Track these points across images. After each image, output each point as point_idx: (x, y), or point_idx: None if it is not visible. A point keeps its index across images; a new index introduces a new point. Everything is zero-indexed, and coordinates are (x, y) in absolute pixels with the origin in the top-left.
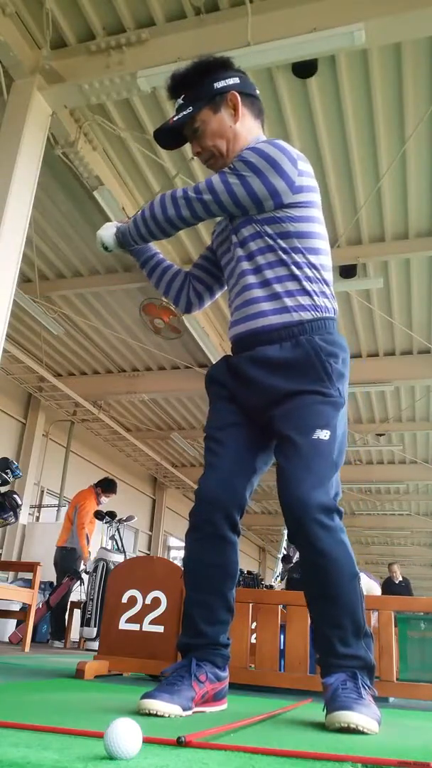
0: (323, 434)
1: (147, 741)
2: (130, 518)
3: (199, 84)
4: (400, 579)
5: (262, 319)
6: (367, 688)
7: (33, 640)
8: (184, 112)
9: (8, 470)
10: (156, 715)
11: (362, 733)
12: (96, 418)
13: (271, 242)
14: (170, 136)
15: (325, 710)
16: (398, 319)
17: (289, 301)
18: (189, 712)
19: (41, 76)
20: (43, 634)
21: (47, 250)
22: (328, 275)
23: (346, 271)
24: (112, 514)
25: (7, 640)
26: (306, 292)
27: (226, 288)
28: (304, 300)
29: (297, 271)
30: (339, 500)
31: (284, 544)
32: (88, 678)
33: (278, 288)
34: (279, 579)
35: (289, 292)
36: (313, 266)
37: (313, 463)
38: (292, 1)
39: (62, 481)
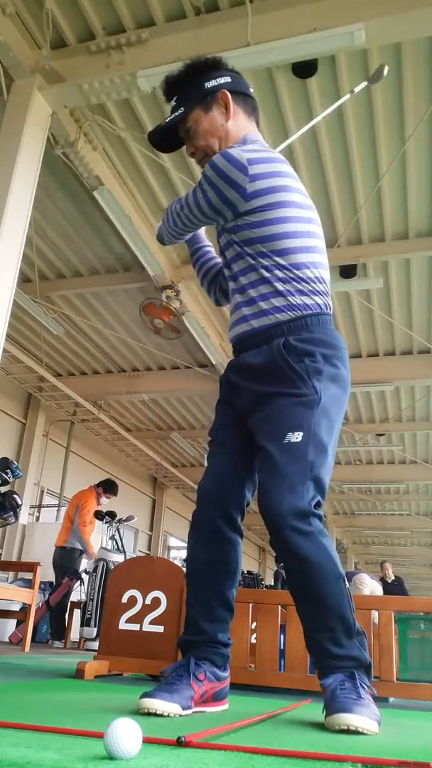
0: (295, 437)
1: (147, 741)
2: (130, 518)
3: (191, 84)
4: (393, 578)
5: (244, 325)
6: (365, 687)
7: (33, 640)
8: (177, 113)
9: (8, 470)
10: (155, 714)
11: (362, 734)
12: (96, 418)
13: (239, 250)
14: (165, 138)
15: (324, 711)
16: (398, 319)
17: (263, 305)
18: (188, 711)
19: (41, 76)
20: (43, 634)
21: (47, 250)
22: (307, 272)
23: (346, 271)
24: (112, 514)
25: (7, 640)
26: (279, 293)
27: None
28: (277, 301)
29: (267, 274)
30: (317, 502)
31: None
32: (88, 678)
33: (253, 293)
34: None
35: (263, 296)
36: (283, 267)
37: (286, 469)
38: (292, 1)
39: (62, 481)
